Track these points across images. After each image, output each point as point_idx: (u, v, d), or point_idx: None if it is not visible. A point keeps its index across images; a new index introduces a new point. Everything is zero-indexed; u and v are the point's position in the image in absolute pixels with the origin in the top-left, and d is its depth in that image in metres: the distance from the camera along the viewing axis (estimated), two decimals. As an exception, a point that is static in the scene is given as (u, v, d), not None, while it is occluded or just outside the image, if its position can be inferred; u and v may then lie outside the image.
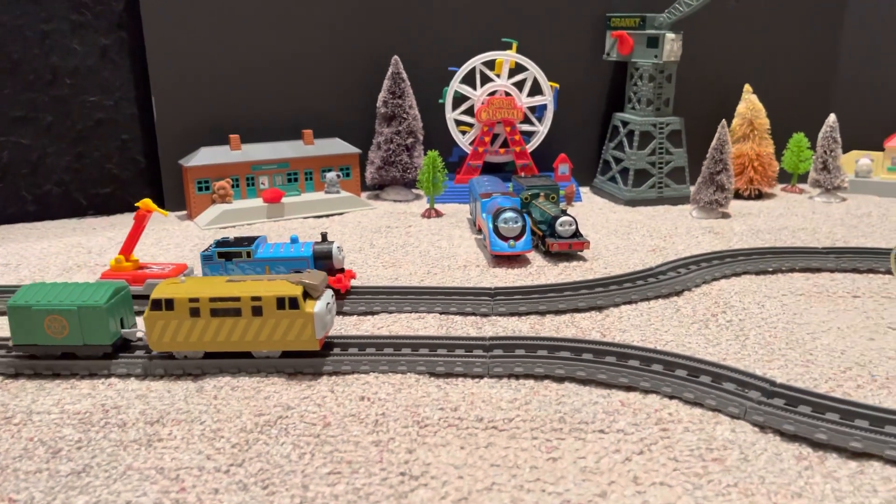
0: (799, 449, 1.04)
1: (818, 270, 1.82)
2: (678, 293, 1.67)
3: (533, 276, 1.81)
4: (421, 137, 2.69)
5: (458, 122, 2.71)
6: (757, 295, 1.65)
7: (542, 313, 1.56)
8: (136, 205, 1.68)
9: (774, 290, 1.69)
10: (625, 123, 2.64)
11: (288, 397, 1.20)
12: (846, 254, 1.87)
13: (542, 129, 2.70)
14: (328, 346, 1.34)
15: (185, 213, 2.50)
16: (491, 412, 1.14)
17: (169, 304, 1.26)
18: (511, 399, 1.18)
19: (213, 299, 1.25)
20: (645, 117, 2.58)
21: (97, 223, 2.41)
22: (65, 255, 2.02)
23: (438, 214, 2.44)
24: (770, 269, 1.82)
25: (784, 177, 2.80)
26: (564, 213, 1.95)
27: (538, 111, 2.72)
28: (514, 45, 2.64)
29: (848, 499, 0.93)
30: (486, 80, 2.66)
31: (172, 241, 2.15)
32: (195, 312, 1.26)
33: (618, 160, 2.67)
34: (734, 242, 2.08)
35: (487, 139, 2.65)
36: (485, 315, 1.55)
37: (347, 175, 2.65)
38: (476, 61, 2.61)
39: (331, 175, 2.55)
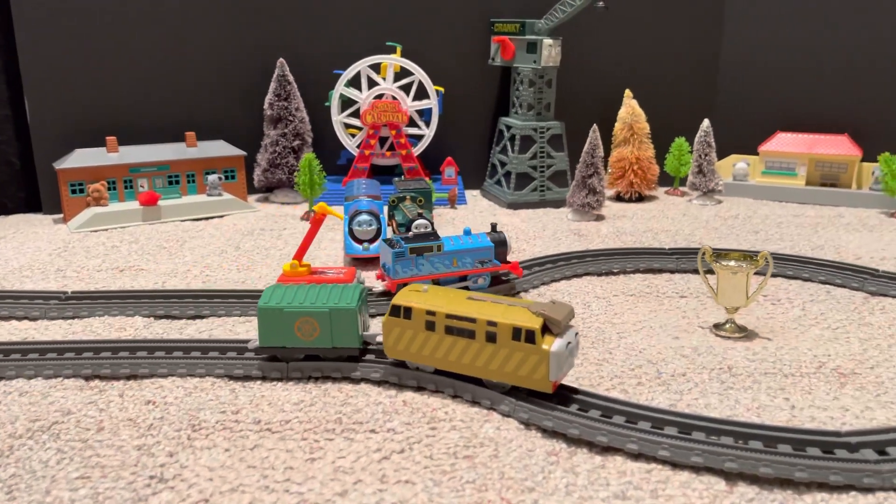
0: (555, 445, 1.08)
1: (659, 271, 1.88)
2: (513, 295, 1.71)
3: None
4: (309, 140, 2.69)
5: (348, 126, 2.72)
6: (588, 296, 1.70)
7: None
8: (312, 209, 1.65)
9: (608, 291, 1.74)
10: (509, 127, 2.69)
11: (73, 402, 1.19)
12: (689, 254, 1.93)
13: (428, 133, 2.72)
14: (564, 388, 1.19)
15: (61, 216, 2.47)
16: (272, 414, 1.16)
17: (407, 312, 1.22)
18: (298, 401, 1.20)
19: (449, 316, 1.18)
20: (526, 122, 2.63)
21: (-35, 226, 2.36)
22: (-86, 259, 1.97)
23: (317, 217, 2.45)
24: (614, 270, 1.88)
25: (669, 180, 2.88)
26: (421, 216, 1.97)
27: (426, 115, 2.75)
28: (399, 49, 2.67)
29: (578, 492, 0.97)
30: (373, 83, 2.68)
31: (35, 244, 2.12)
32: (430, 326, 1.20)
33: (503, 164, 2.71)
34: (595, 244, 2.13)
35: (373, 142, 2.67)
36: (314, 318, 1.57)
37: (233, 177, 2.64)
38: (360, 65, 2.62)
39: (212, 178, 2.54)
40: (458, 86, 2.80)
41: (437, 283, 1.66)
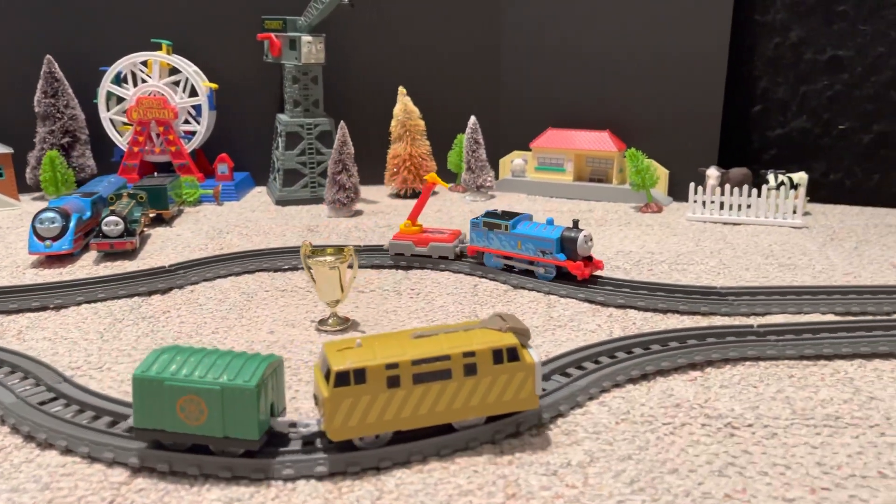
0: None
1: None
2: (164, 291, 1.71)
3: (63, 274, 1.83)
4: (83, 137, 2.68)
5: (126, 123, 2.72)
6: (235, 292, 1.70)
7: (9, 312, 1.58)
8: (424, 178, 1.86)
9: (262, 287, 1.74)
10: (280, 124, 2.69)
11: None
12: (371, 250, 1.94)
13: (200, 130, 2.72)
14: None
15: None
16: None
17: (359, 375, 0.99)
18: None
19: (416, 362, 1.01)
20: (294, 118, 2.63)
21: None
22: None
23: (67, 215, 2.43)
24: (284, 268, 1.87)
25: (454, 176, 2.89)
26: (113, 213, 1.97)
27: (198, 111, 2.73)
28: (165, 46, 2.66)
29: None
30: (144, 80, 2.67)
31: None
32: (394, 382, 1.01)
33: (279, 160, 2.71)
34: (324, 239, 2.14)
35: (141, 139, 2.66)
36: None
37: (0, 175, 2.62)
38: (124, 62, 2.62)
39: (-33, 176, 2.52)
40: (242, 83, 2.80)
41: (509, 266, 1.79)
